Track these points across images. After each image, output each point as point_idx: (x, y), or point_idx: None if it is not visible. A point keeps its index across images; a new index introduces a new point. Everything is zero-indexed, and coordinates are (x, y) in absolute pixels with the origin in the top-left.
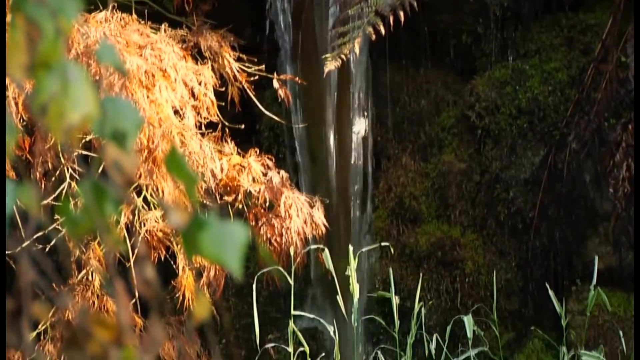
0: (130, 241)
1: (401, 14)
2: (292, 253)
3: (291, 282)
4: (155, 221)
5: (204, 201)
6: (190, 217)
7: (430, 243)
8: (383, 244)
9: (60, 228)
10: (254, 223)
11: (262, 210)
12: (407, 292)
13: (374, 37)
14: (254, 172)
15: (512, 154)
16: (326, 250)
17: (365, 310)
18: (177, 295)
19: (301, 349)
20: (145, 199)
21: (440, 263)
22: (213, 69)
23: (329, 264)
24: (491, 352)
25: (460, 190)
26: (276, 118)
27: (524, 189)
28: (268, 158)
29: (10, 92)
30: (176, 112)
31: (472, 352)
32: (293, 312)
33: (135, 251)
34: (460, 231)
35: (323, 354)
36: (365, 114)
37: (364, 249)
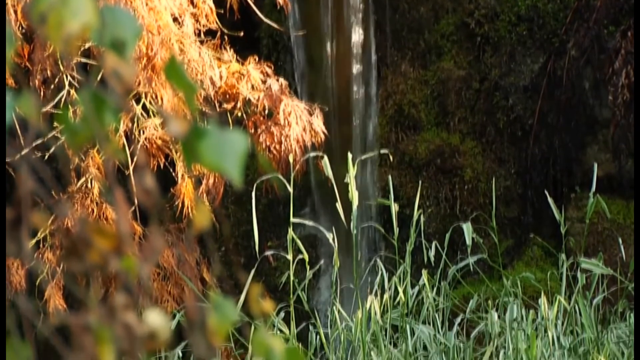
0: (129, 149)
1: None
2: (291, 160)
3: (290, 189)
4: (154, 129)
5: (203, 109)
6: (190, 126)
7: (430, 150)
8: (382, 151)
9: (59, 136)
10: (253, 131)
11: (261, 118)
12: (406, 200)
13: None
14: (253, 79)
15: (512, 61)
16: (325, 158)
17: (365, 217)
18: (176, 203)
19: (300, 256)
20: (144, 107)
21: (439, 170)
22: None
23: (328, 172)
24: (490, 260)
25: (460, 97)
26: (275, 25)
27: (523, 96)
28: (267, 66)
29: (9, 0)
30: (175, 19)
31: (471, 260)
32: (292, 219)
33: (135, 159)
34: (459, 138)
35: (322, 262)
36: (364, 21)
37: (363, 157)
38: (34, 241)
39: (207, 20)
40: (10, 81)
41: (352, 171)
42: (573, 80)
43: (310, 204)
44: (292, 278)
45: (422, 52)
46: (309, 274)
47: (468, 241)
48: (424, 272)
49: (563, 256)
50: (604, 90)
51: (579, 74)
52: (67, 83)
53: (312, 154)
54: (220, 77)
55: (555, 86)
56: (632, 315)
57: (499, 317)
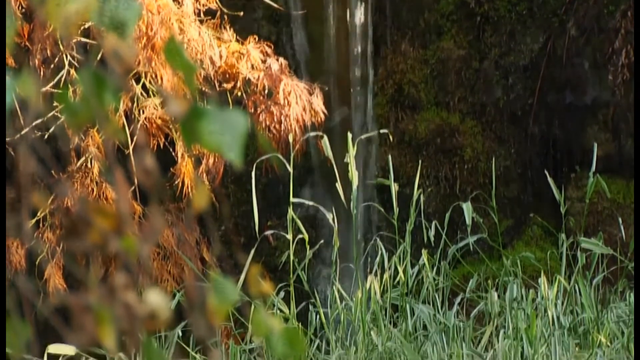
0: (129, 129)
1: None
2: (291, 140)
3: (290, 169)
4: (154, 108)
5: (203, 89)
6: (189, 106)
7: (429, 130)
8: (382, 131)
9: (59, 115)
10: (252, 110)
11: (261, 98)
12: (406, 179)
13: None
14: (253, 59)
15: (511, 41)
16: (325, 138)
17: (364, 197)
18: (176, 182)
19: (300, 236)
20: (144, 86)
21: (439, 150)
22: None
23: (328, 152)
24: (490, 239)
25: (459, 77)
26: (275, 5)
27: (522, 76)
28: (267, 45)
29: None
30: None
31: (471, 239)
32: (292, 199)
33: (134, 138)
34: (459, 118)
35: (322, 241)
36: (364, 0)
37: (363, 136)
38: (34, 220)
39: (207, 0)
40: (10, 61)
41: (352, 151)
42: (573, 60)
43: (310, 184)
44: (292, 258)
45: (422, 32)
46: (309, 253)
47: (468, 221)
48: (424, 252)
49: (563, 236)
50: (604, 70)
51: (578, 53)
52: (67, 63)
53: (312, 134)
54: (220, 57)
55: (554, 66)
56: (632, 294)
57: (498, 296)
